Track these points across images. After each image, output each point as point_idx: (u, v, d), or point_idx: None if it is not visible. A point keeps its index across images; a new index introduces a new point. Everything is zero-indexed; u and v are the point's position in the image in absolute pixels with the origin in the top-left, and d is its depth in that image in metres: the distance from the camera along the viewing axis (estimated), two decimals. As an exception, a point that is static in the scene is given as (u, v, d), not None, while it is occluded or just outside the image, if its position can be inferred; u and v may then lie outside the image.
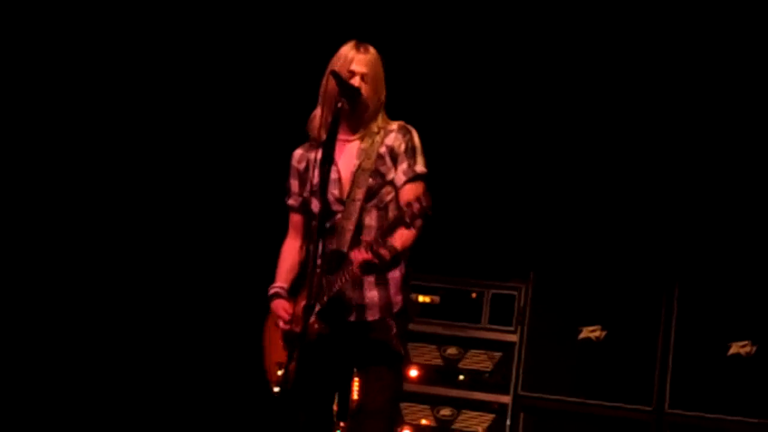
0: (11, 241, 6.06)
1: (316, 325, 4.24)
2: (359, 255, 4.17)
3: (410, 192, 4.37)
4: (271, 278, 4.63)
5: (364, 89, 4.40)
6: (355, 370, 4.67)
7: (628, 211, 6.98)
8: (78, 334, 6.47)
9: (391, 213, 4.40)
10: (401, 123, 4.52)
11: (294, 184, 4.62)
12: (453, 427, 6.66)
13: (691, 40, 6.53)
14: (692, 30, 6.46)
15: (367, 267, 4.20)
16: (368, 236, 4.36)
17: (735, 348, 6.27)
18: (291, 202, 4.64)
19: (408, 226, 4.12)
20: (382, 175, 4.43)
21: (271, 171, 5.59)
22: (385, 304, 4.43)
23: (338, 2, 6.71)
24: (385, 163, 4.44)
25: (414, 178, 4.42)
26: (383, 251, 4.16)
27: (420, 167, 4.44)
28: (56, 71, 6.37)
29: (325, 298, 4.25)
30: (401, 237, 4.27)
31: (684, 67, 6.68)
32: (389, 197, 4.44)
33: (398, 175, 4.43)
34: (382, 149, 4.44)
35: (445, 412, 6.69)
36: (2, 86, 6.08)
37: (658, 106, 6.85)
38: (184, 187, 7.10)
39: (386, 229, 4.19)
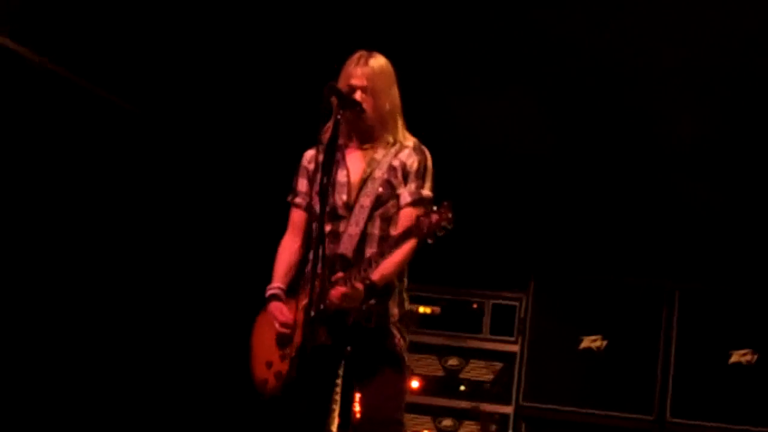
0: (10, 241, 6.06)
1: (320, 335, 4.27)
2: (337, 290, 4.24)
3: (411, 214, 4.39)
4: (265, 276, 4.63)
5: (366, 102, 4.42)
6: (356, 382, 4.64)
7: (627, 220, 6.99)
8: (75, 335, 6.46)
9: (393, 229, 4.44)
10: (416, 141, 4.55)
11: (302, 183, 4.63)
12: (455, 437, 6.67)
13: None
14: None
15: (345, 298, 4.25)
16: (371, 246, 4.39)
17: (736, 357, 6.28)
18: (298, 200, 4.63)
19: (419, 238, 4.14)
20: (393, 187, 4.47)
21: (269, 173, 5.61)
22: (384, 313, 4.43)
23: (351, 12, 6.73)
24: (396, 177, 4.47)
25: (419, 201, 4.45)
26: (358, 285, 4.23)
27: (427, 191, 4.48)
28: (58, 72, 6.38)
29: (322, 306, 4.23)
30: (385, 265, 4.29)
31: (682, 78, 6.70)
32: (394, 210, 4.47)
33: (404, 195, 4.46)
34: (396, 162, 4.48)
35: (447, 422, 6.69)
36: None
37: (655, 116, 6.86)
38: (180, 188, 7.10)
39: (398, 239, 4.22)
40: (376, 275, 4.29)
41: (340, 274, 4.29)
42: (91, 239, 6.50)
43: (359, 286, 4.26)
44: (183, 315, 7.02)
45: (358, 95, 4.41)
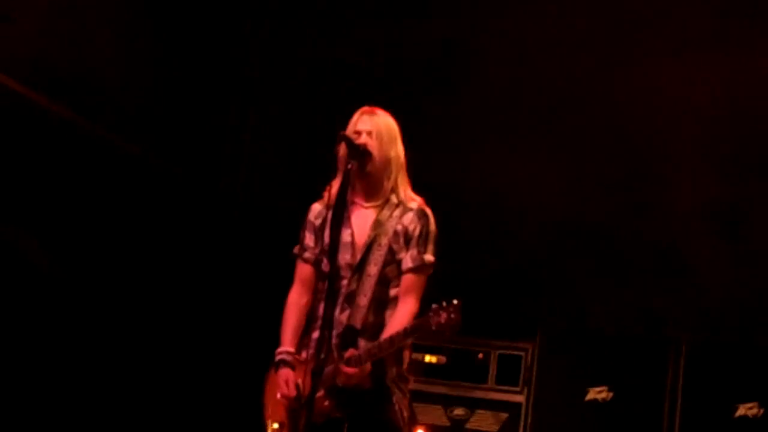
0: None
1: (327, 404, 4.36)
2: (347, 371, 4.33)
3: (413, 279, 4.49)
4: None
5: (370, 144, 4.49)
6: None
7: (634, 271, 6.99)
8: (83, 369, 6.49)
9: (392, 290, 4.51)
10: (420, 203, 4.61)
11: (309, 238, 4.67)
12: (460, 488, 6.64)
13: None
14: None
15: (354, 379, 4.36)
16: (374, 311, 4.47)
17: (742, 410, 6.27)
18: (307, 255, 4.67)
19: (427, 335, 4.25)
20: (394, 253, 4.53)
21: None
22: (381, 373, 4.47)
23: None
24: (398, 242, 4.53)
25: (421, 266, 4.52)
26: (367, 367, 4.35)
27: (429, 256, 4.55)
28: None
29: (329, 384, 4.36)
30: (372, 345, 4.38)
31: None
32: (393, 274, 4.54)
33: (406, 259, 4.53)
34: (399, 227, 4.53)
35: (453, 473, 6.67)
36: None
37: (662, 171, 6.90)
38: (189, 232, 7.16)
39: (408, 332, 4.31)
40: (364, 356, 4.37)
41: (352, 352, 4.35)
42: (100, 285, 6.53)
43: (368, 367, 4.35)
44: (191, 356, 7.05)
45: (363, 138, 4.49)
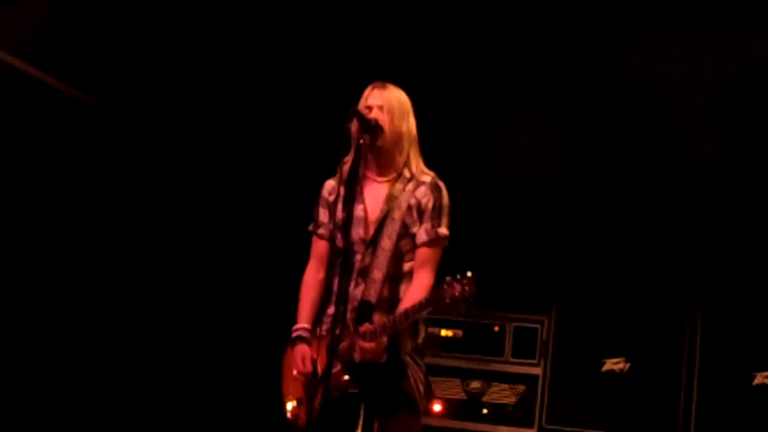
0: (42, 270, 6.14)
1: (344, 379, 4.37)
2: (365, 345, 4.31)
3: (427, 253, 4.47)
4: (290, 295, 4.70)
5: (381, 119, 4.48)
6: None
7: (650, 241, 6.98)
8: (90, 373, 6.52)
9: (407, 265, 4.50)
10: (433, 177, 4.58)
11: (324, 214, 4.67)
12: (478, 461, 6.66)
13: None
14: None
15: (371, 354, 4.34)
16: (389, 287, 4.46)
17: (760, 378, 6.26)
18: (321, 231, 4.67)
19: (440, 310, 4.21)
20: (407, 227, 4.51)
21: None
22: (396, 346, 4.45)
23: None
24: (411, 216, 4.51)
25: (435, 240, 4.49)
26: (384, 340, 4.32)
27: (443, 229, 4.51)
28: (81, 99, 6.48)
29: (346, 359, 4.35)
30: (388, 319, 4.35)
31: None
32: (407, 248, 4.52)
33: (420, 233, 4.50)
34: (412, 201, 4.51)
35: (470, 446, 6.69)
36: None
37: (674, 139, 6.87)
38: (202, 212, 7.16)
39: (421, 305, 4.25)
40: (379, 328, 4.34)
41: (367, 327, 4.33)
42: (114, 267, 6.55)
43: (385, 341, 4.34)
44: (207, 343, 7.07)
45: (374, 113, 4.48)
